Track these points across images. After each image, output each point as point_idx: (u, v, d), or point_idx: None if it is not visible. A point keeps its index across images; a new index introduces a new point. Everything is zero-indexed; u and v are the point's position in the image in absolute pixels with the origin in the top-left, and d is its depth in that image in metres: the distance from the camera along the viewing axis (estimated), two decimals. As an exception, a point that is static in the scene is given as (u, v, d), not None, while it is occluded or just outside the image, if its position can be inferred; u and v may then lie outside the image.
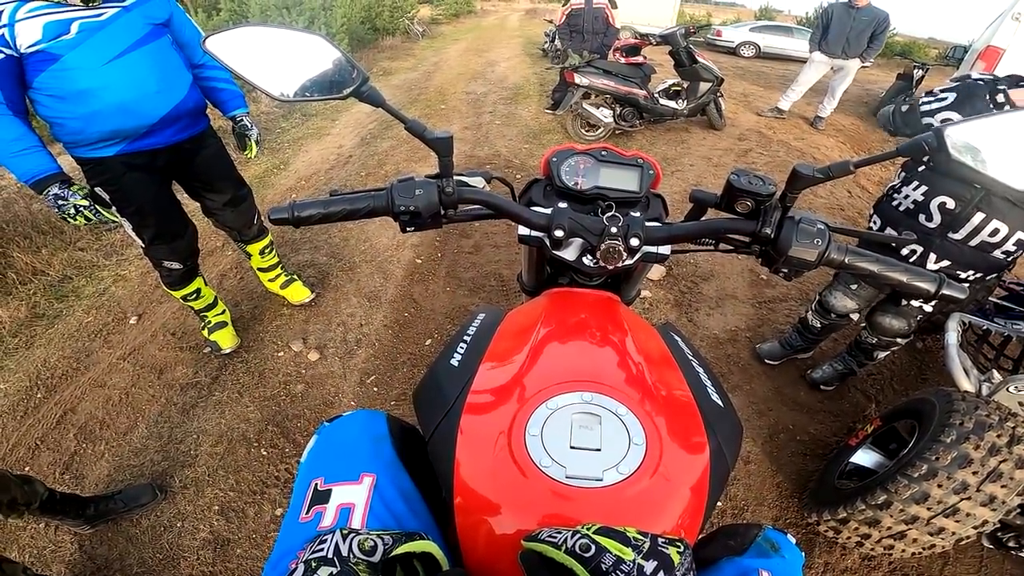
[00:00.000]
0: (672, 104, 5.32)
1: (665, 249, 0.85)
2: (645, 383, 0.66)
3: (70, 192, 1.72)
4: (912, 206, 1.69)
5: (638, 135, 5.57)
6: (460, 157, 4.67)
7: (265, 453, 2.02)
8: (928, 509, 1.37)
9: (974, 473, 1.33)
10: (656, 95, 5.28)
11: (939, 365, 2.51)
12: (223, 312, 2.45)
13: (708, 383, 0.74)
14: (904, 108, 1.76)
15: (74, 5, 1.65)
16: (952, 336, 1.76)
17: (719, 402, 0.71)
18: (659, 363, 0.73)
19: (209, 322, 2.41)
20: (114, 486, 1.91)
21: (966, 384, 1.62)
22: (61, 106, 1.71)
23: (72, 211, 1.72)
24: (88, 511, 1.74)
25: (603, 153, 0.90)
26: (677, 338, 0.85)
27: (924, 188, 1.65)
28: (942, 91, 1.64)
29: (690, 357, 0.80)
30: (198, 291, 2.30)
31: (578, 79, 4.87)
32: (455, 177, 0.80)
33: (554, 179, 0.88)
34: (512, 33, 15.76)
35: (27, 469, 1.98)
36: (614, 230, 0.77)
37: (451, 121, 5.94)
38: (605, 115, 5.05)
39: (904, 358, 2.57)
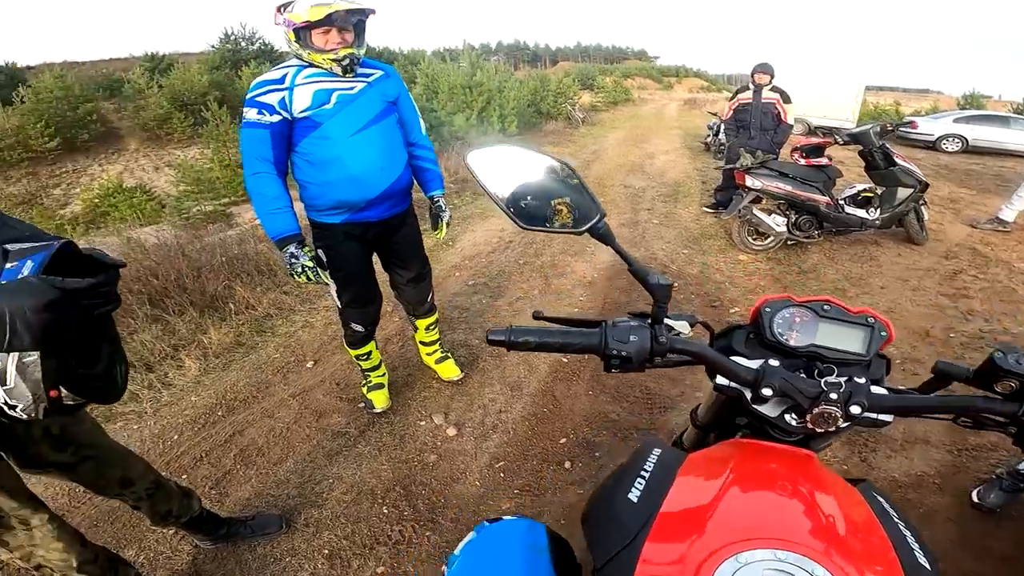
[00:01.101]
0: (861, 213, 4.61)
1: (888, 416, 0.75)
2: (845, 544, 0.59)
3: (302, 253, 1.93)
4: None
5: (815, 248, 4.87)
6: (615, 257, 4.54)
7: (386, 511, 2.04)
8: None
9: None
10: (842, 202, 4.65)
11: None
12: (383, 375, 2.62)
13: (915, 546, 0.64)
14: None
15: (337, 76, 1.90)
16: None
17: (927, 566, 0.61)
18: (860, 524, 0.65)
19: (370, 381, 2.58)
20: (248, 510, 2.03)
21: None
22: (311, 171, 1.96)
23: (299, 269, 1.93)
24: (221, 531, 1.83)
25: (826, 308, 0.82)
26: (879, 497, 0.75)
27: None
28: None
29: (895, 519, 0.70)
30: (369, 353, 2.49)
31: (750, 181, 4.44)
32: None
33: (764, 331, 0.82)
34: (670, 124, 15.63)
35: (184, 477, 2.20)
36: (833, 396, 0.71)
37: (607, 216, 6.05)
38: (778, 223, 4.53)
39: None
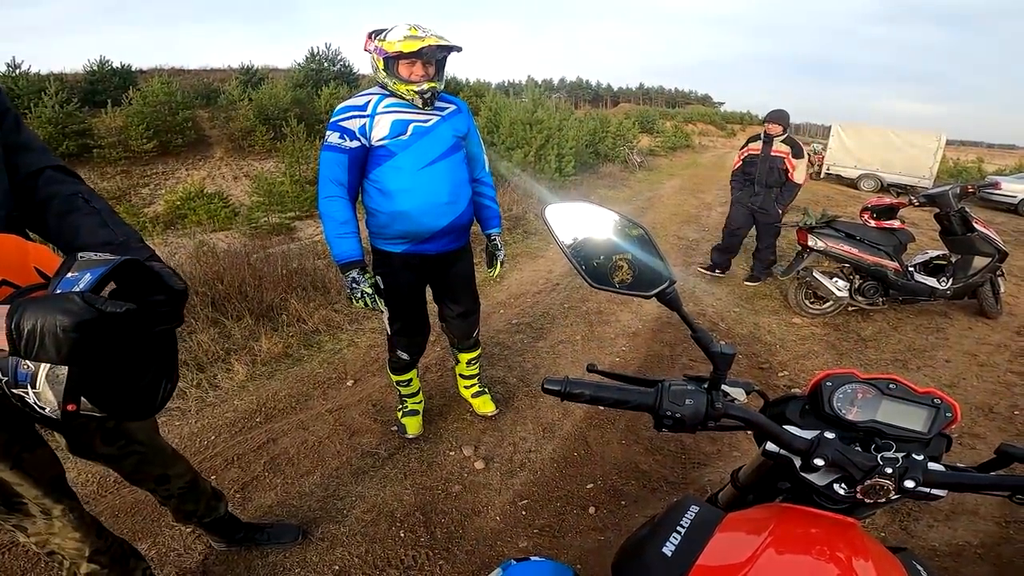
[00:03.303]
0: (931, 282, 4.29)
1: (941, 491, 0.74)
2: None
3: (363, 279, 2.00)
4: None
5: (878, 315, 4.54)
6: (661, 309, 4.40)
7: (402, 535, 2.05)
8: None
9: None
10: (912, 269, 4.33)
11: None
12: (420, 402, 2.64)
13: None
14: None
15: (416, 108, 1.95)
16: None
17: None
18: None
19: (406, 406, 2.61)
20: (267, 517, 2.08)
21: None
22: (381, 199, 2.02)
23: (359, 295, 2.00)
24: (238, 535, 1.87)
25: (891, 386, 0.80)
26: (919, 566, 0.75)
27: None
28: None
29: None
30: (410, 380, 2.53)
31: (812, 241, 4.18)
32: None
33: (822, 404, 0.81)
34: (730, 174, 15.34)
35: (213, 478, 2.27)
36: (888, 470, 0.70)
37: (661, 254, 5.92)
38: (839, 287, 4.21)
39: None
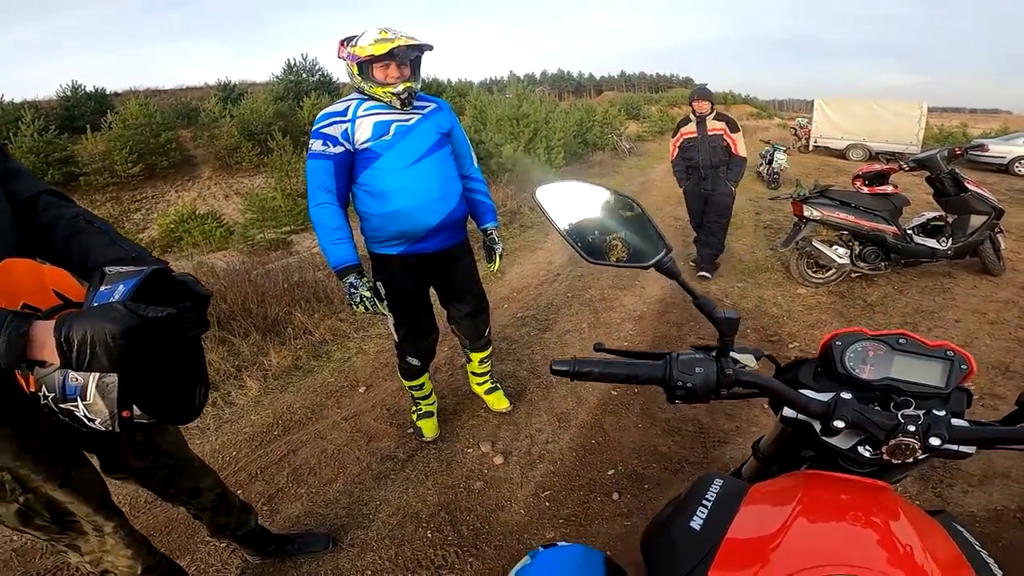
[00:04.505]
0: (932, 243, 4.32)
1: (970, 448, 0.73)
2: (925, 574, 0.56)
3: (361, 283, 1.98)
4: None
5: (882, 280, 4.56)
6: (664, 291, 4.43)
7: (430, 535, 2.06)
8: None
9: None
10: (910, 232, 4.35)
11: None
12: (433, 403, 2.64)
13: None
14: None
15: (395, 108, 1.96)
16: None
17: None
18: (941, 554, 0.62)
19: (420, 409, 2.60)
20: (297, 527, 2.09)
21: None
22: (371, 202, 2.02)
23: (358, 299, 1.97)
24: (270, 547, 1.88)
25: (901, 341, 0.80)
26: (960, 528, 0.72)
27: None
28: None
29: (978, 548, 0.68)
30: (422, 384, 2.54)
31: (808, 211, 4.21)
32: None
33: (834, 364, 0.81)
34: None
35: (239, 492, 2.25)
36: (911, 428, 0.69)
37: (655, 223, 5.94)
38: (840, 255, 4.24)
39: None
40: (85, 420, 0.78)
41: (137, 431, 1.30)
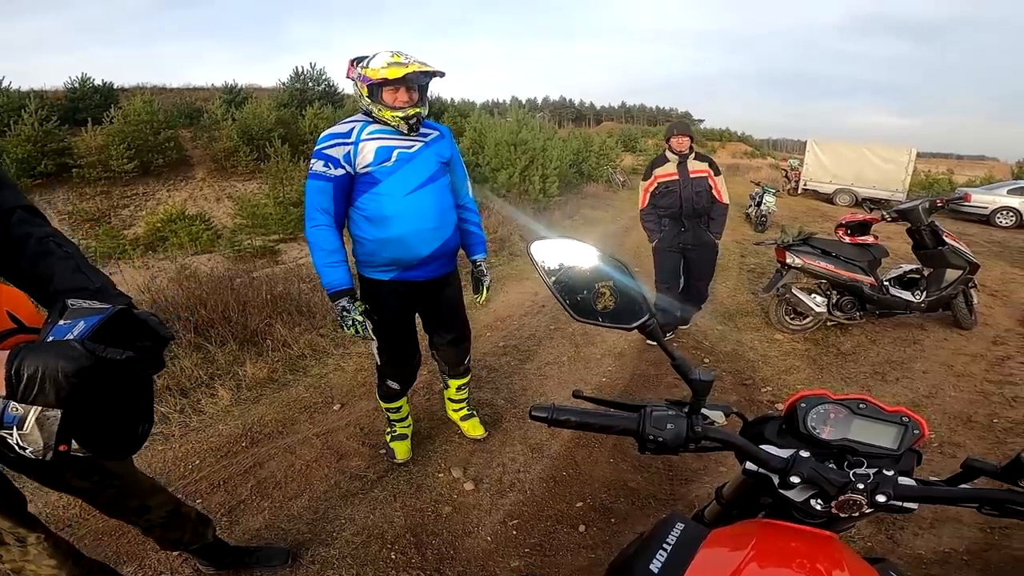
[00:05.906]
0: (906, 295, 4.41)
1: (913, 504, 0.79)
2: None
3: (354, 307, 1.98)
4: None
5: (856, 329, 4.63)
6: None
7: (393, 556, 2.04)
8: None
9: None
10: (887, 283, 4.43)
11: None
12: (409, 426, 2.62)
13: None
14: None
15: (400, 133, 1.96)
16: None
17: None
18: None
19: (395, 431, 2.58)
20: (256, 541, 2.05)
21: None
22: (367, 227, 2.02)
23: (350, 323, 1.97)
24: (226, 559, 1.85)
25: (861, 406, 0.85)
26: None
27: None
28: None
29: None
30: (400, 407, 2.52)
31: (790, 259, 4.27)
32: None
33: (798, 424, 0.86)
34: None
35: (199, 502, 2.25)
36: (860, 486, 0.75)
37: (641, 287, 5.99)
38: (818, 303, 4.31)
39: None
40: (16, 447, 0.77)
41: (71, 464, 1.29)
